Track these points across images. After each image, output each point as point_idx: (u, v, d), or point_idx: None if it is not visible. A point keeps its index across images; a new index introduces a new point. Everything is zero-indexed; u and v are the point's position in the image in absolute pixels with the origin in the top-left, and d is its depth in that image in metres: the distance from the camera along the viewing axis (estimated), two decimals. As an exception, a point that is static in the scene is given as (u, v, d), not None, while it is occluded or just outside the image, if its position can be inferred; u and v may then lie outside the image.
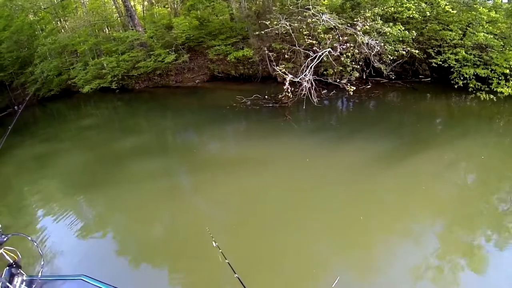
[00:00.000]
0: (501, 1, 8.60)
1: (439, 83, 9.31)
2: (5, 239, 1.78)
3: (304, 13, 8.77)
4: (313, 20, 8.29)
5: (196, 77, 13.98)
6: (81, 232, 4.77)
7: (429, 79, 9.90)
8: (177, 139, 8.95)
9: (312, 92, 7.75)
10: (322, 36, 8.19)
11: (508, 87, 7.09)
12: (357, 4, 9.42)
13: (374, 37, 8.06)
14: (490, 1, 8.47)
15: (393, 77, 8.97)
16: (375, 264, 3.56)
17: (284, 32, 9.30)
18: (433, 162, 5.41)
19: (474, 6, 7.96)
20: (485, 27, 7.68)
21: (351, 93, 7.54)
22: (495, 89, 7.25)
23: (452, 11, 7.98)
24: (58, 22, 17.46)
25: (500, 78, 7.27)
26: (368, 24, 8.04)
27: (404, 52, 7.92)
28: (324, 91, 9.32)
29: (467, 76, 7.59)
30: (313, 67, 7.88)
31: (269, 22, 8.74)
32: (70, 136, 10.44)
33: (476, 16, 7.74)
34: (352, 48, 8.08)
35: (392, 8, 8.25)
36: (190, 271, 3.81)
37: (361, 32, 7.94)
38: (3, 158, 8.13)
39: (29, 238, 2.02)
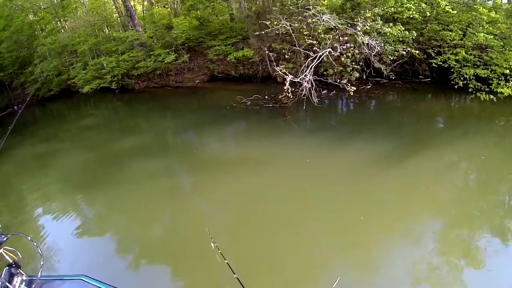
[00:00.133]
0: (501, 2, 8.62)
1: (439, 84, 9.31)
2: (4, 239, 1.77)
3: (304, 13, 8.77)
4: (313, 20, 8.29)
5: (196, 77, 13.97)
6: (81, 232, 4.76)
7: (429, 79, 9.90)
8: (177, 139, 8.95)
9: (312, 92, 7.75)
10: (322, 36, 8.19)
11: (508, 87, 7.10)
12: (357, 4, 9.41)
13: (374, 37, 8.06)
14: (490, 2, 8.49)
15: (393, 78, 8.97)
16: (375, 264, 3.55)
17: (284, 32, 9.30)
18: (433, 162, 5.41)
19: (474, 6, 7.97)
20: (485, 27, 7.68)
21: (352, 93, 7.54)
22: (495, 90, 7.26)
23: (452, 12, 7.99)
24: (58, 22, 17.45)
25: (500, 78, 7.28)
26: (368, 24, 8.04)
27: (404, 53, 7.92)
28: (324, 91, 9.32)
29: (467, 77, 7.59)
30: (313, 67, 7.88)
31: (269, 22, 8.74)
32: (70, 136, 10.43)
33: (476, 17, 7.75)
34: (352, 48, 8.08)
35: (392, 9, 8.25)
36: (190, 271, 3.81)
37: (361, 32, 7.94)
38: (3, 157, 8.12)
39: (29, 238, 2.01)
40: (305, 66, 7.94)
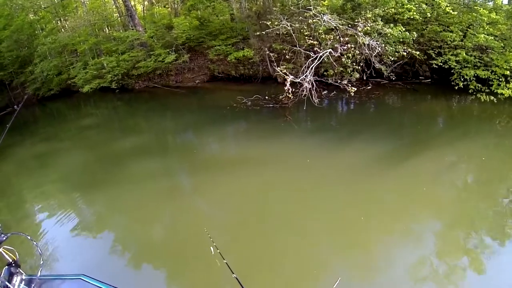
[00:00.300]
0: (502, 3, 8.62)
1: (440, 85, 9.31)
2: (4, 238, 1.77)
3: (305, 14, 8.77)
4: (314, 20, 8.28)
5: (196, 77, 13.97)
6: (80, 232, 4.76)
7: (430, 80, 9.90)
8: (177, 139, 8.94)
9: (312, 92, 7.75)
10: (323, 36, 8.19)
11: (508, 88, 7.10)
12: (358, 5, 9.42)
13: (374, 38, 8.06)
14: (490, 3, 8.49)
15: (393, 78, 8.97)
16: (375, 264, 3.55)
17: (285, 32, 9.31)
18: (434, 163, 5.41)
19: (475, 7, 7.97)
20: (486, 28, 7.68)
21: (352, 94, 7.54)
22: (495, 91, 7.26)
23: (452, 13, 7.98)
24: (58, 22, 17.46)
25: (501, 79, 7.28)
26: (368, 25, 8.04)
27: (404, 53, 7.92)
28: (325, 92, 9.32)
29: (468, 78, 7.59)
30: (313, 67, 7.87)
31: (270, 22, 8.73)
32: (70, 135, 10.42)
33: (476, 18, 7.75)
34: (352, 49, 8.08)
35: (393, 9, 8.25)
36: (189, 271, 3.80)
37: (361, 33, 7.94)
38: (3, 156, 8.12)
39: (29, 237, 2.00)
40: (305, 66, 7.94)
